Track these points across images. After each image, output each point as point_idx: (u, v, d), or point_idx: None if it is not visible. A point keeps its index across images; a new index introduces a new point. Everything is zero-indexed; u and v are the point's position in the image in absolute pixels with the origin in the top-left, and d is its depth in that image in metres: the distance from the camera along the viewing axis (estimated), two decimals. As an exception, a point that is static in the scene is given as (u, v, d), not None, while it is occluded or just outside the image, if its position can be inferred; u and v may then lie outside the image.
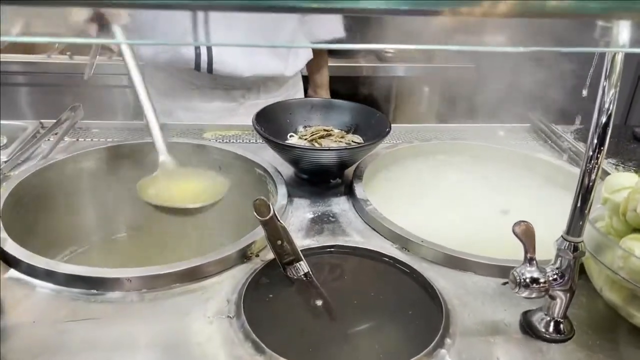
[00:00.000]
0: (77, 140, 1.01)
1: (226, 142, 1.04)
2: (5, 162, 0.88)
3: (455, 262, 0.70)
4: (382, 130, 0.90)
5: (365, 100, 1.95)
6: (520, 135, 1.16)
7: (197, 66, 1.13)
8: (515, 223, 0.57)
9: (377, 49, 1.95)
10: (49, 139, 0.97)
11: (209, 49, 1.12)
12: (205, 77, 1.17)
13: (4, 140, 0.94)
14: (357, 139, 0.93)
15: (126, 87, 1.81)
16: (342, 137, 0.92)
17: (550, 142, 1.11)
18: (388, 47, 1.89)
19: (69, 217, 0.87)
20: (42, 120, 1.03)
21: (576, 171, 0.93)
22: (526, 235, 0.57)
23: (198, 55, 1.12)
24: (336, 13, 1.09)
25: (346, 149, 0.83)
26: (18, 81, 1.74)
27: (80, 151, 0.91)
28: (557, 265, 0.58)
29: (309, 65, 1.38)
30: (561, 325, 0.60)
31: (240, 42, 1.15)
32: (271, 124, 0.93)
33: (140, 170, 0.94)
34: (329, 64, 1.86)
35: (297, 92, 1.37)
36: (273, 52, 1.20)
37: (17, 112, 1.70)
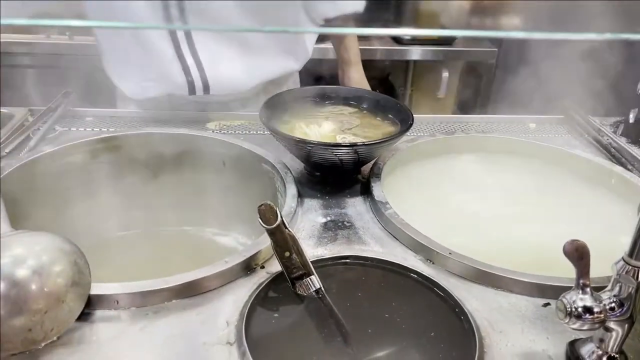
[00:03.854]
0: (69, 129, 0.93)
1: (231, 133, 0.96)
2: (-11, 154, 0.81)
3: (488, 278, 0.61)
4: (403, 122, 0.81)
5: (380, 86, 1.83)
6: (553, 128, 1.05)
7: (192, 91, 1.00)
8: (567, 242, 0.48)
9: (392, 34, 1.83)
10: (38, 129, 0.89)
11: (201, 70, 0.97)
12: (200, 97, 1.03)
13: (-11, 130, 0.86)
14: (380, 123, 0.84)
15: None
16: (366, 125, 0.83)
17: (587, 135, 1.01)
18: (409, 32, 1.78)
19: (56, 217, 0.79)
20: (31, 108, 0.94)
21: (619, 170, 0.84)
22: (580, 256, 0.48)
23: (191, 82, 0.98)
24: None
25: (363, 144, 0.74)
26: (13, 63, 1.66)
27: (71, 143, 0.82)
28: (615, 292, 0.49)
29: (333, 40, 1.20)
30: (616, 361, 0.51)
31: (236, 50, 0.98)
32: (280, 115, 0.85)
33: (138, 164, 0.87)
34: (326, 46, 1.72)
35: (295, 86, 1.21)
36: (278, 48, 1.04)
37: (8, 97, 1.62)
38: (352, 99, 0.90)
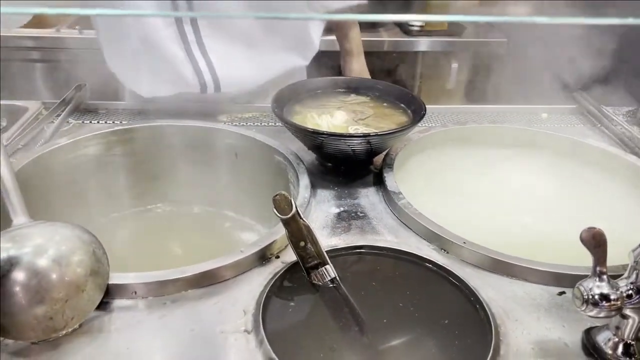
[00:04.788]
0: (82, 122, 0.94)
1: (243, 125, 0.96)
2: (5, 146, 0.81)
3: (503, 267, 0.61)
4: (415, 113, 0.81)
5: (389, 77, 1.81)
6: (565, 117, 1.05)
7: (204, 91, 1.01)
8: (584, 229, 0.48)
9: (399, 20, 1.81)
10: (52, 122, 0.90)
11: (213, 71, 0.99)
12: (210, 94, 1.04)
13: (4, 123, 0.87)
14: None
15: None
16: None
17: (600, 125, 1.00)
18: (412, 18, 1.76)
19: (72, 209, 0.80)
20: (45, 101, 0.95)
21: (632, 159, 0.84)
22: (596, 244, 0.48)
23: (203, 84, 0.99)
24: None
25: (376, 135, 0.74)
26: (23, 57, 1.67)
27: (84, 135, 0.83)
28: (632, 279, 0.49)
29: (336, 32, 1.20)
30: (632, 348, 0.51)
31: (245, 50, 1.00)
32: (292, 106, 0.85)
33: (151, 156, 0.88)
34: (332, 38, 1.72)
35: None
36: (285, 46, 1.05)
37: (20, 91, 1.64)
38: (363, 89, 0.90)
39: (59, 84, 1.53)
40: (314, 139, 0.76)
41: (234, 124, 0.96)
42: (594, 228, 0.48)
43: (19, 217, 0.56)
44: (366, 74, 1.21)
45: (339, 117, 0.83)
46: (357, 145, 0.75)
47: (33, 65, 1.69)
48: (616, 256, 0.51)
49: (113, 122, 0.94)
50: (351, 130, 0.80)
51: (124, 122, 0.94)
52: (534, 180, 0.82)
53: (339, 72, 1.25)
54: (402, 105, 0.86)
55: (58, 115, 0.92)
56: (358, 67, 1.20)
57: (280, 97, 0.83)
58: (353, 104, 0.88)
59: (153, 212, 0.88)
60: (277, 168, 0.83)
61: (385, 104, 0.87)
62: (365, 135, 0.74)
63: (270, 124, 0.97)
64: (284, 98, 0.84)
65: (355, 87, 0.91)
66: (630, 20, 0.28)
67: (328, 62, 1.28)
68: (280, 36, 1.03)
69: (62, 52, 1.64)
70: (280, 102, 0.82)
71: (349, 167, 0.82)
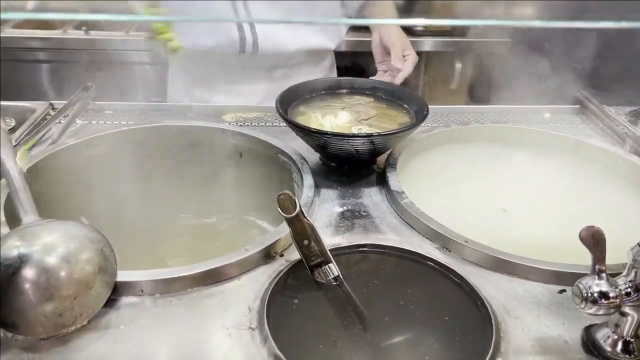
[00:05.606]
0: (89, 123, 0.95)
1: (247, 125, 0.97)
2: (13, 147, 0.83)
3: (504, 265, 0.62)
4: (418, 113, 0.82)
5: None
6: (568, 117, 1.05)
7: (242, 48, 1.07)
8: (584, 228, 0.49)
9: (417, 24, 1.82)
10: (59, 122, 0.91)
11: (253, 30, 1.06)
12: (247, 58, 1.10)
13: (12, 123, 0.88)
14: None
15: (145, 64, 1.75)
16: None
17: (602, 125, 1.00)
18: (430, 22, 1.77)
19: (79, 208, 0.81)
20: (52, 102, 0.97)
21: (634, 159, 0.84)
22: (595, 242, 0.49)
23: (243, 39, 1.06)
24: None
25: (380, 135, 0.75)
26: (31, 58, 1.68)
27: (91, 135, 0.84)
28: (631, 277, 0.50)
29: (368, 9, 1.21)
30: (631, 345, 0.52)
31: (282, 16, 1.07)
32: (296, 106, 0.86)
33: (156, 156, 0.89)
34: (351, 38, 1.74)
35: (332, 71, 1.29)
36: (318, 26, 1.14)
37: (28, 91, 1.66)
38: (367, 90, 0.91)
39: (66, 85, 1.55)
40: (317, 139, 0.77)
41: (239, 124, 0.97)
42: (593, 227, 0.49)
43: (28, 215, 0.58)
44: (406, 38, 1.17)
45: (343, 118, 0.83)
46: (361, 145, 0.76)
47: (40, 66, 1.71)
48: (615, 255, 0.51)
49: (119, 122, 0.95)
50: (354, 130, 0.81)
51: (130, 122, 0.95)
52: (536, 179, 0.82)
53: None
54: (405, 105, 0.87)
55: (65, 116, 0.93)
56: (396, 29, 1.16)
57: (284, 98, 0.83)
58: (356, 104, 0.88)
59: (159, 211, 0.89)
60: (282, 168, 0.83)
61: (388, 105, 0.88)
62: (368, 136, 0.75)
63: (274, 124, 0.98)
64: (288, 99, 0.85)
65: (358, 88, 0.92)
66: (624, 24, 0.29)
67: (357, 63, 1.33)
68: (311, 15, 1.10)
69: (69, 53, 1.66)
70: (285, 103, 0.83)
71: (353, 166, 0.83)
